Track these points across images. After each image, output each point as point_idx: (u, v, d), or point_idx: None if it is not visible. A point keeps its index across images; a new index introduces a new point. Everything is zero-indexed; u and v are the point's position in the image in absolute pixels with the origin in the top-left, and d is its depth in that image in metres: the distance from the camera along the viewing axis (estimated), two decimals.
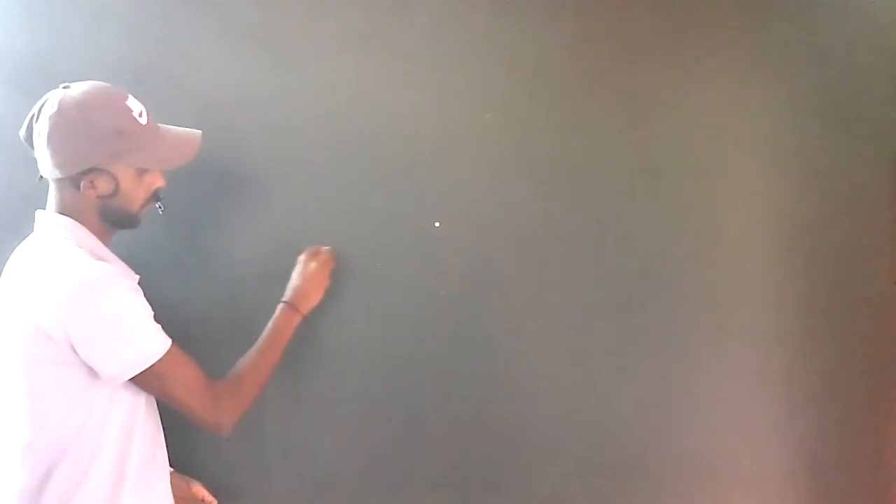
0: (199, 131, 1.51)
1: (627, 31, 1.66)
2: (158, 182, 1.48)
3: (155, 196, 1.49)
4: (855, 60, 1.68)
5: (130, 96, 1.43)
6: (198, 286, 1.72)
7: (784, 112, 1.68)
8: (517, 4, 1.67)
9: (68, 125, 1.35)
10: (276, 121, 1.70)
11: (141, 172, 1.44)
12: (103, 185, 1.39)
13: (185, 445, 1.61)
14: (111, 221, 1.44)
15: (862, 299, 1.71)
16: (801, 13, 1.67)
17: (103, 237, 1.44)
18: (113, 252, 1.46)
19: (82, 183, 1.38)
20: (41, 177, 1.42)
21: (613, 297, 1.69)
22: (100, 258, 1.38)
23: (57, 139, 1.36)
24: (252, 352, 1.53)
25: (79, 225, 1.41)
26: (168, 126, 1.49)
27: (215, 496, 1.69)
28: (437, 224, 1.68)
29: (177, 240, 1.72)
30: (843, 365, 1.71)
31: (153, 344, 1.36)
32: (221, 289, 1.72)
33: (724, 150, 1.68)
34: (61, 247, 1.37)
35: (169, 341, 1.39)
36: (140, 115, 1.42)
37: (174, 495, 1.56)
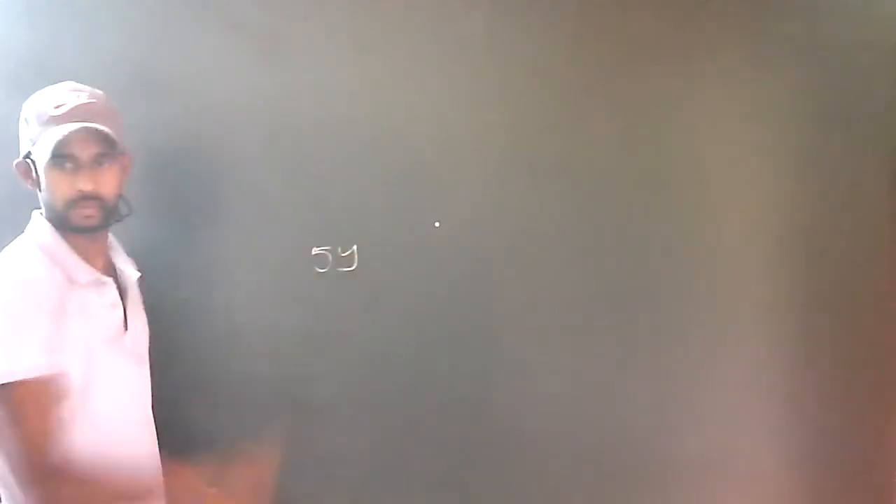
0: (89, 125, 1.35)
1: (627, 31, 1.66)
2: (74, 185, 1.35)
3: (81, 198, 1.36)
4: (855, 60, 1.68)
5: (73, 85, 1.40)
6: (197, 286, 1.72)
7: (784, 112, 1.68)
8: (517, 4, 1.67)
9: None
10: (275, 121, 1.69)
11: (56, 167, 1.35)
12: (24, 172, 1.40)
13: (185, 443, 1.61)
14: (56, 223, 1.39)
15: (862, 299, 1.71)
16: (800, 13, 1.67)
17: (67, 237, 1.40)
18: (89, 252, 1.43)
19: (15, 166, 1.41)
20: None
21: (613, 297, 1.69)
22: (51, 256, 1.37)
23: None
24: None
25: (41, 220, 1.41)
26: (78, 121, 1.36)
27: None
28: (437, 224, 1.68)
29: (176, 239, 1.72)
30: (843, 365, 1.71)
31: (12, 362, 1.24)
32: (221, 289, 1.72)
33: (724, 150, 1.69)
34: (13, 244, 1.39)
35: (39, 372, 1.25)
36: (58, 106, 1.35)
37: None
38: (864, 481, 1.74)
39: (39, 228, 1.41)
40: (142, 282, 1.54)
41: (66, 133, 1.32)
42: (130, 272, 1.51)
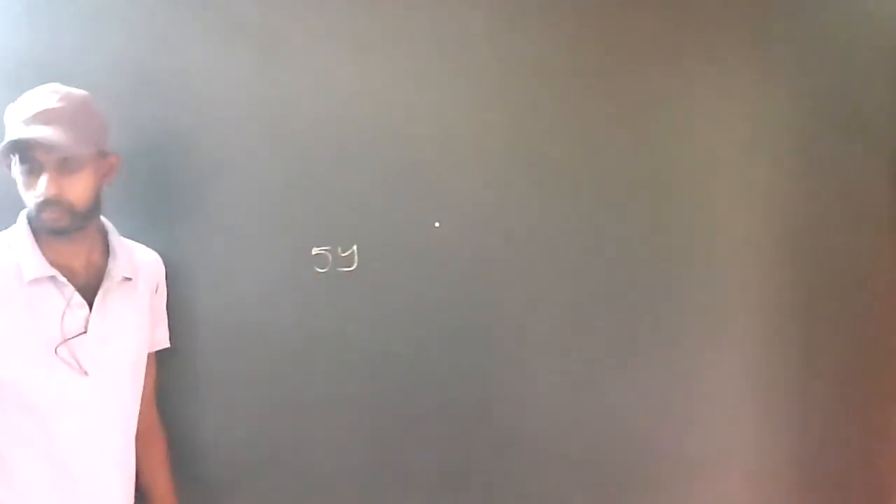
0: (21, 138, 1.31)
1: (627, 31, 1.66)
2: (38, 189, 1.32)
3: (45, 203, 1.33)
4: (855, 60, 1.68)
5: (52, 87, 1.37)
6: (197, 286, 1.72)
7: (784, 112, 1.68)
8: (517, 4, 1.67)
9: None
10: (275, 121, 1.69)
11: (23, 172, 1.34)
12: (7, 165, 1.37)
13: (184, 444, 1.61)
14: (34, 222, 1.38)
15: (861, 299, 1.71)
16: (801, 13, 1.67)
17: (44, 238, 1.39)
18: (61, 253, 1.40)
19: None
20: None
21: (613, 296, 1.69)
22: (14, 252, 1.37)
23: None
24: None
25: (23, 216, 1.42)
26: (40, 124, 1.34)
27: (215, 496, 1.68)
28: (437, 224, 1.68)
29: (175, 239, 1.72)
30: (843, 365, 1.72)
31: None
32: (221, 288, 1.72)
33: (724, 151, 1.69)
34: None
35: None
36: (26, 109, 1.34)
37: None
38: (864, 481, 1.74)
39: (17, 225, 1.42)
40: (137, 283, 1.49)
41: (7, 141, 1.30)
42: (119, 272, 1.44)
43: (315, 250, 1.68)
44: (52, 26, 1.72)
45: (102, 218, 1.48)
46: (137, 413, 1.49)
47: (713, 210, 1.69)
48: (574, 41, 1.67)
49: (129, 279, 1.47)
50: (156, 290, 1.56)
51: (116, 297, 1.44)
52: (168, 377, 1.60)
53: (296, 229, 1.69)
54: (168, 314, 1.61)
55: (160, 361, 1.59)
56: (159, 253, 1.62)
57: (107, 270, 1.43)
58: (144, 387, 1.52)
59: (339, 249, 1.68)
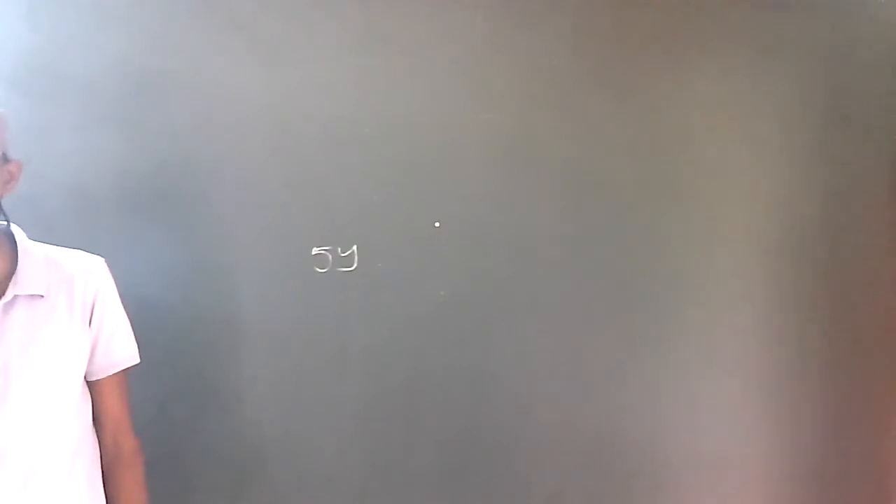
0: None
1: (627, 30, 1.67)
2: None
3: None
4: (855, 60, 1.68)
5: None
6: (197, 287, 1.72)
7: (784, 111, 1.68)
8: (518, 4, 1.67)
9: None
10: (275, 121, 1.69)
11: None
12: None
13: (184, 445, 1.61)
14: None
15: (861, 299, 1.71)
16: (801, 13, 1.68)
17: None
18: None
19: None
20: None
21: (613, 297, 1.69)
22: None
23: None
24: None
25: None
26: None
27: (215, 497, 1.68)
28: (437, 224, 1.69)
29: (176, 239, 1.72)
30: (843, 365, 1.72)
31: None
32: (221, 289, 1.72)
33: (724, 150, 1.69)
34: None
35: None
36: None
37: None
38: (865, 481, 1.74)
39: None
40: (54, 300, 1.26)
41: None
42: (13, 290, 1.22)
43: (315, 250, 1.68)
44: (52, 26, 1.72)
45: (13, 226, 1.29)
46: (75, 448, 1.27)
47: (713, 209, 1.69)
48: (574, 41, 1.67)
49: (41, 296, 1.24)
50: (93, 304, 1.30)
51: (19, 319, 1.22)
52: (168, 378, 1.60)
53: (296, 229, 1.69)
54: (167, 314, 1.60)
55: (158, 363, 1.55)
56: (158, 252, 1.59)
57: (9, 290, 1.22)
58: (106, 414, 1.33)
59: (339, 249, 1.68)
